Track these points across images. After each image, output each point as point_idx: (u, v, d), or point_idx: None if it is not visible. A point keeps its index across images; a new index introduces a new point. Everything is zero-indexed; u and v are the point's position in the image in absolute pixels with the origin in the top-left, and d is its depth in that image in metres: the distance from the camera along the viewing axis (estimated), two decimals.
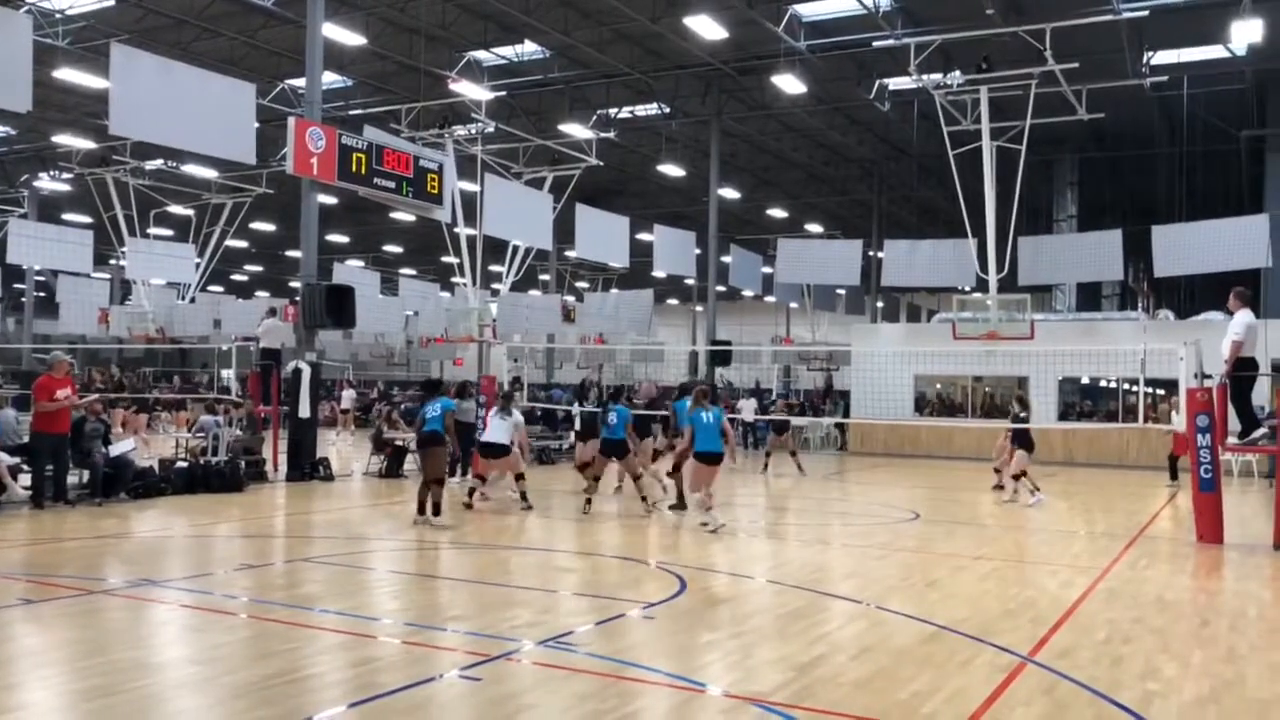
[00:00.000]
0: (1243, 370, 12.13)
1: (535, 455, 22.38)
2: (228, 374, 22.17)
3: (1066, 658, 6.71)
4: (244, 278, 57.93)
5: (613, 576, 9.82)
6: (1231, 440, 13.18)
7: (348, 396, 29.68)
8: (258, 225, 40.27)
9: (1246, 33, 19.83)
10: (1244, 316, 11.98)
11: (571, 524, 13.11)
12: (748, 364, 41.15)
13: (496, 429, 13.66)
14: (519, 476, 14.02)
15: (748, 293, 40.28)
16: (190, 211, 30.42)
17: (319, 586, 9.02)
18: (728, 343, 30.93)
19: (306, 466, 17.43)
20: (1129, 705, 5.69)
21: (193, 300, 30.88)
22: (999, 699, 5.80)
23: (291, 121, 16.38)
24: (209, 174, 29.51)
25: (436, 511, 12.16)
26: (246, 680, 5.90)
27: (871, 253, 34.38)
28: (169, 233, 33.72)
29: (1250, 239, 21.29)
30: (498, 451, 13.64)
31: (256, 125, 17.35)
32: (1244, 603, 9.06)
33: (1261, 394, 16.94)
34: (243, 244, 43.60)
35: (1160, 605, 8.68)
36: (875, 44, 22.48)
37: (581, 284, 47.21)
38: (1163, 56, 24.23)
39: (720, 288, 32.19)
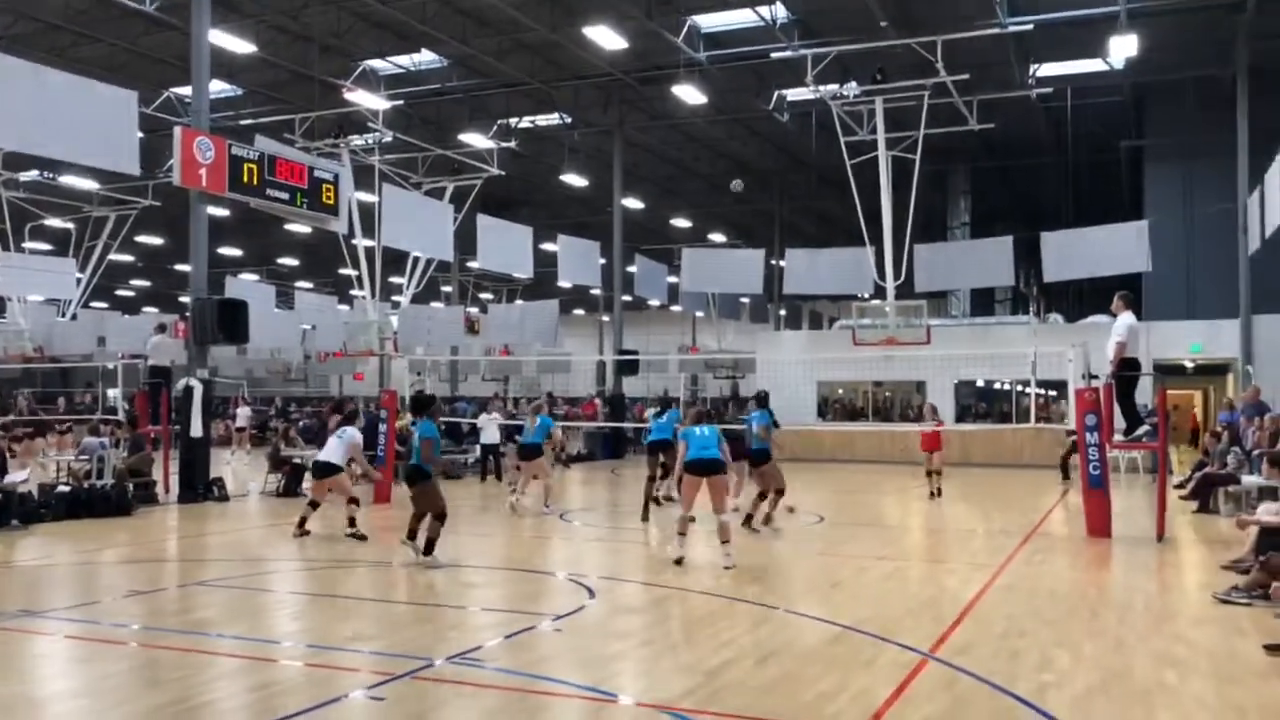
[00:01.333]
0: (1127, 370, 12.63)
1: (442, 470, 22.07)
2: (114, 393, 21.31)
3: (966, 653, 6.86)
4: (130, 293, 55.80)
5: (522, 589, 9.71)
6: (1118, 438, 13.70)
7: (243, 414, 28.81)
8: (145, 238, 38.83)
9: (1123, 47, 20.72)
10: (1127, 319, 12.48)
11: (479, 539, 12.94)
12: (655, 373, 41.29)
13: (330, 448, 12.88)
14: (352, 500, 12.69)
15: (654, 302, 40.51)
16: (70, 225, 29.19)
17: (215, 611, 8.69)
18: (635, 352, 31.01)
19: (200, 487, 16.84)
20: (1025, 697, 5.84)
21: (74, 317, 29.61)
22: (902, 696, 5.90)
23: (178, 131, 15.86)
24: (90, 185, 28.37)
25: (429, 550, 10.52)
26: (137, 711, 5.65)
27: (774, 261, 34.88)
28: (47, 247, 32.31)
29: (1132, 244, 22.21)
30: (329, 471, 12.79)
31: (140, 135, 16.71)
32: (1131, 595, 9.41)
33: (1144, 393, 17.71)
34: (128, 258, 41.99)
35: (1054, 599, 8.96)
36: (773, 55, 22.78)
37: (485, 295, 46.79)
38: (1048, 69, 25.15)
39: (626, 297, 32.25)
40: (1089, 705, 5.74)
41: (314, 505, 12.88)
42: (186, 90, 22.05)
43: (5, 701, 5.87)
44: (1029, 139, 31.14)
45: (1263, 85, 23.22)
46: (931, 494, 17.25)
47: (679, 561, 10.33)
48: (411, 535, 10.65)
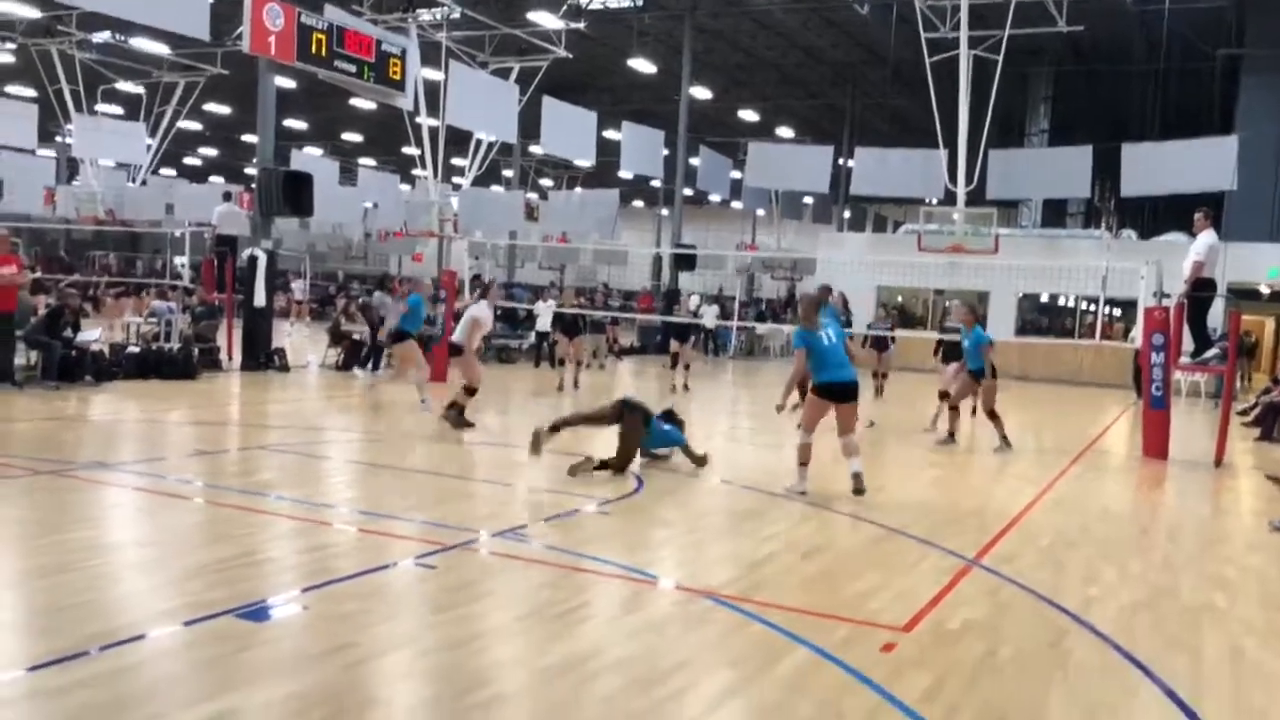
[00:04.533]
0: (1201, 291, 12.26)
1: (494, 353, 22.35)
2: (181, 260, 21.70)
3: (1011, 562, 6.87)
4: (198, 162, 56.33)
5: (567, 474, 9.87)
6: (1184, 359, 13.39)
7: (298, 287, 29.17)
8: (212, 107, 39.00)
9: None
10: (1208, 237, 12.05)
11: (531, 421, 13.10)
12: (712, 270, 41.02)
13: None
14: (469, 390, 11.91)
15: (715, 198, 39.93)
16: (140, 89, 29.31)
17: (274, 474, 8.98)
18: (692, 247, 30.75)
19: (262, 356, 17.24)
20: (1069, 608, 5.84)
21: (144, 183, 29.99)
22: (944, 599, 5.93)
23: None
24: (160, 50, 28.37)
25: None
26: (199, 562, 5.88)
27: (842, 160, 34.10)
28: (119, 110, 32.52)
29: (1218, 161, 21.29)
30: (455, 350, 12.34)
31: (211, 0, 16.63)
32: (1182, 516, 9.31)
33: (1216, 316, 17.24)
34: (196, 126, 42.28)
35: (1104, 516, 8.90)
36: None
37: (546, 181, 46.52)
38: None
39: (687, 191, 31.82)
40: (1133, 621, 5.73)
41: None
42: None
43: (78, 544, 6.15)
44: (1119, 43, 29.71)
45: None
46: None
47: (803, 493, 8.75)
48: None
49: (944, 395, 13.74)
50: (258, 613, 5.04)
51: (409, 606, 5.45)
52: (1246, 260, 23.80)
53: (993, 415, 12.45)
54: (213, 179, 51.39)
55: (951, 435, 12.54)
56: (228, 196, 21.07)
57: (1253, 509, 9.81)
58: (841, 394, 8.81)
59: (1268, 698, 4.77)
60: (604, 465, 9.19)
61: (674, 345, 19.28)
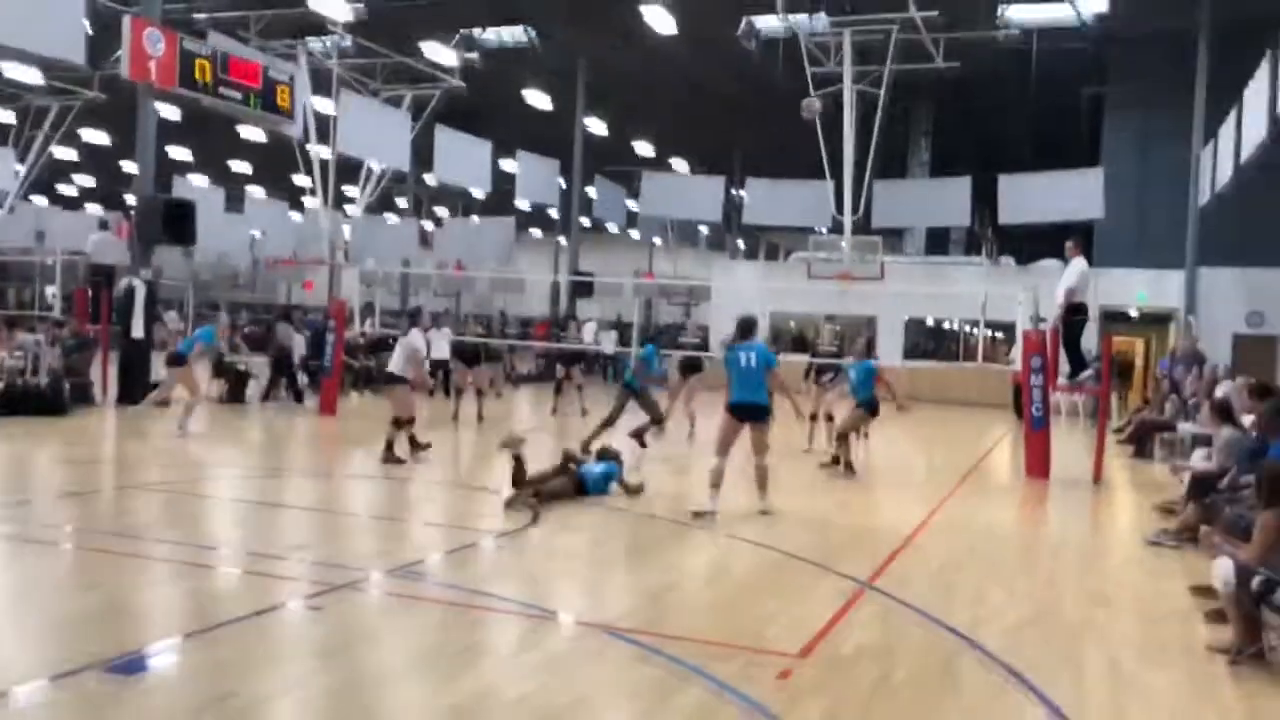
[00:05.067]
0: (1075, 315, 12.78)
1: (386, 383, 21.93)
2: (52, 290, 20.75)
3: (903, 585, 6.98)
4: (73, 190, 54.10)
5: (465, 506, 9.70)
6: (1061, 381, 13.91)
7: (170, 319, 28.19)
8: (89, 132, 37.54)
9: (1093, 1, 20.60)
10: (1079, 264, 12.59)
11: (427, 454, 12.87)
12: (610, 297, 41.13)
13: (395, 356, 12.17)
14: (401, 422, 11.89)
15: (612, 227, 40.10)
16: (10, 115, 28.07)
17: (151, 515, 8.58)
18: (590, 275, 30.79)
19: (139, 390, 16.54)
20: (959, 628, 5.97)
21: (11, 210, 28.67)
22: (840, 622, 5.99)
23: (127, 21, 15.18)
24: (33, 74, 27.26)
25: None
26: (65, 612, 5.57)
27: (734, 190, 34.67)
28: None
29: (1087, 191, 22.38)
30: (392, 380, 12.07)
31: (87, 23, 16.05)
32: (1064, 534, 9.64)
33: (1090, 339, 17.98)
34: (71, 153, 40.67)
35: (990, 535, 9.15)
36: None
37: (440, 209, 46.06)
38: (1016, 11, 24.98)
39: (584, 220, 31.92)
40: (1019, 639, 5.87)
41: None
42: None
43: None
44: (992, 81, 30.94)
45: (1224, 40, 23.27)
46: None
47: (701, 515, 8.88)
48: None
49: (814, 417, 14.19)
50: (129, 665, 4.78)
51: (294, 651, 5.25)
52: (1117, 285, 24.93)
53: (842, 438, 12.33)
54: (89, 207, 49.42)
55: (849, 466, 12.23)
56: (104, 225, 20.29)
57: (1130, 524, 10.22)
58: (746, 414, 9.17)
59: (1145, 711, 4.94)
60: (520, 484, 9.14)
61: (559, 370, 19.48)
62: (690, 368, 15.84)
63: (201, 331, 14.71)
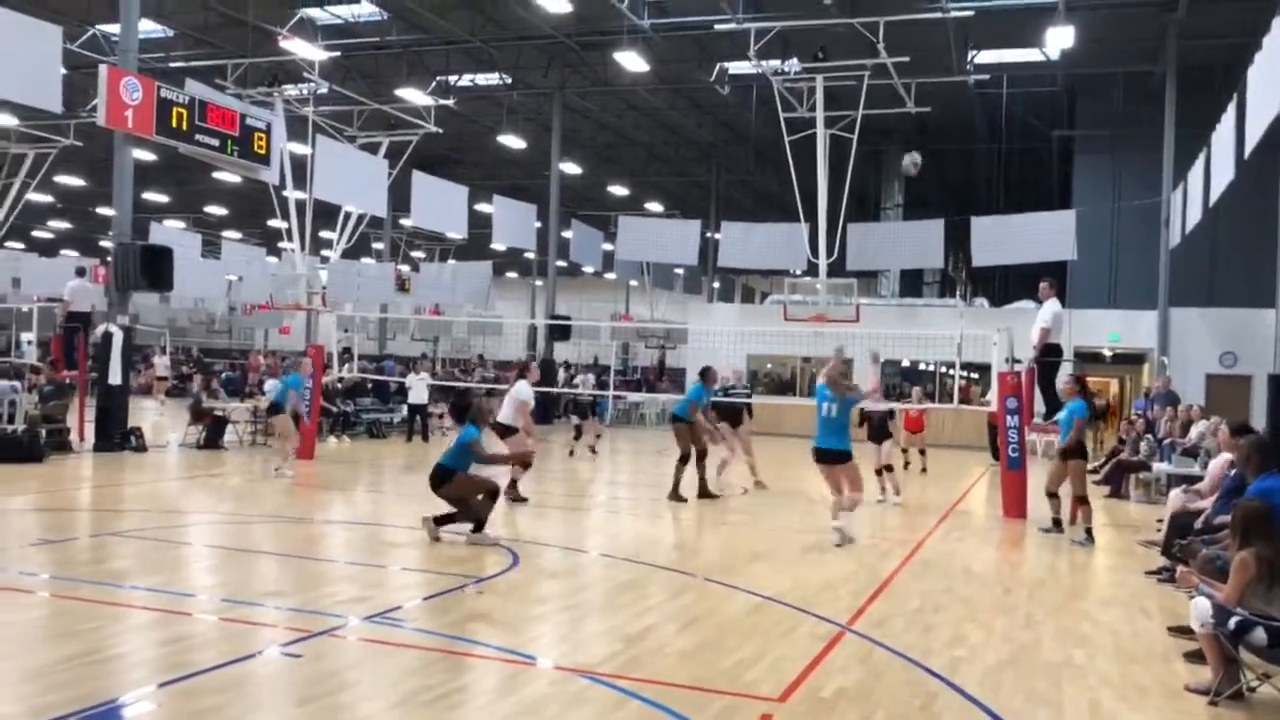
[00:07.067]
0: (1049, 356, 12.94)
1: (365, 429, 21.85)
2: (28, 337, 20.60)
3: (882, 627, 7.01)
4: (49, 235, 53.85)
5: (444, 552, 9.64)
6: (1037, 421, 14.04)
7: (160, 364, 28.04)
8: (65, 179, 37.51)
9: (1060, 39, 21.05)
10: (1052, 305, 12.77)
11: (402, 499, 12.82)
12: (587, 340, 41.20)
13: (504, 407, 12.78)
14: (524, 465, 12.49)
15: (588, 269, 40.30)
16: None
17: (127, 562, 8.49)
18: (567, 318, 30.86)
19: (117, 436, 16.42)
20: (938, 670, 5.99)
21: None
22: (819, 666, 6.00)
23: (104, 70, 15.24)
24: (8, 121, 27.24)
25: (479, 528, 9.74)
26: (40, 662, 5.50)
27: (709, 234, 34.94)
28: None
29: (1059, 233, 22.68)
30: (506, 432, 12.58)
31: (64, 72, 16.09)
32: (1041, 573, 9.68)
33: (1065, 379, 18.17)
34: (47, 199, 40.59)
35: (968, 576, 9.18)
36: (717, 27, 22.72)
37: (417, 254, 46.14)
38: (985, 56, 25.50)
39: (561, 263, 32.06)
40: (998, 679, 5.90)
41: (526, 466, 12.66)
42: (114, 28, 21.20)
43: None
44: (964, 125, 31.59)
45: (1191, 83, 23.82)
46: (922, 470, 18.18)
47: (843, 542, 10.26)
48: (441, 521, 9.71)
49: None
50: (105, 715, 4.73)
51: (272, 698, 5.20)
52: (1090, 325, 25.25)
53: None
54: (65, 252, 49.14)
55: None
56: (81, 272, 20.21)
57: (1106, 564, 10.29)
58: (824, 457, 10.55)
59: None
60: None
61: (573, 420, 20.75)
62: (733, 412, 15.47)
63: (290, 379, 15.16)
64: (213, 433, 17.84)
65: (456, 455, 9.80)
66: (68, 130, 26.47)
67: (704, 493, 13.29)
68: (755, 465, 14.93)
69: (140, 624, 6.48)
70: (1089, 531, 11.26)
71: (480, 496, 9.76)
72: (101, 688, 5.12)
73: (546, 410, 29.03)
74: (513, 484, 12.32)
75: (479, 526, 9.69)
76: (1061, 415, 11.83)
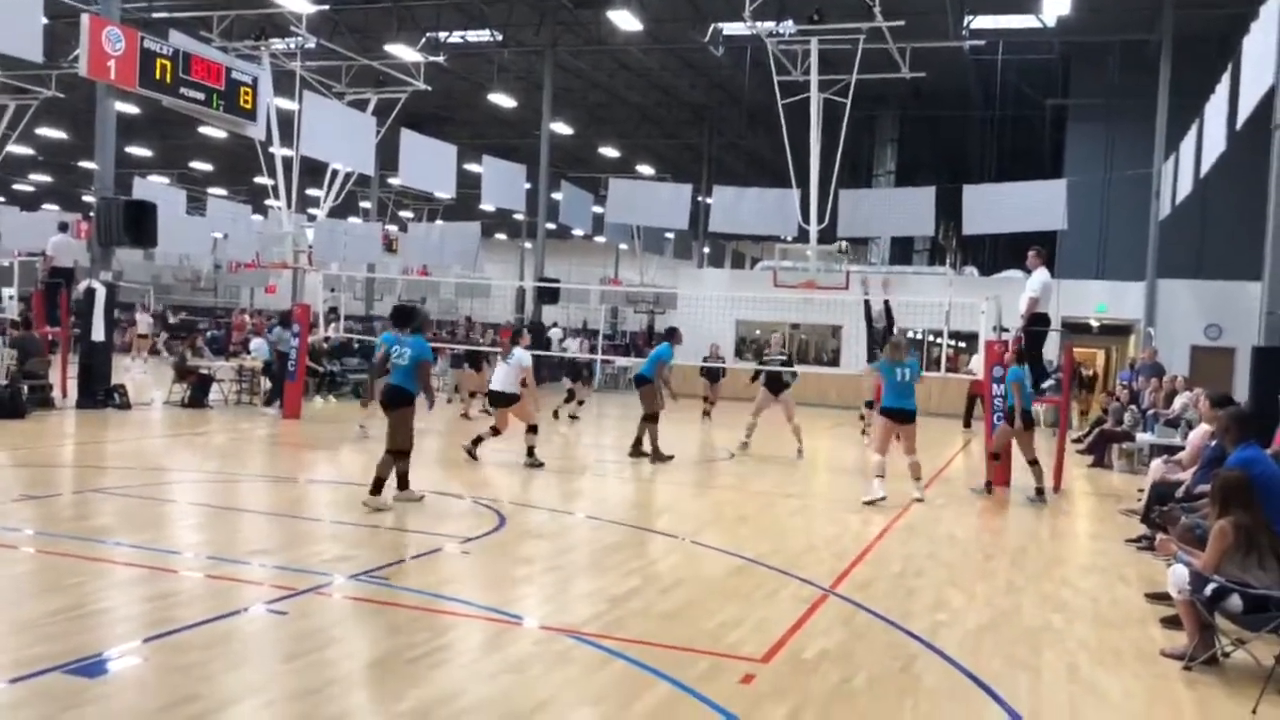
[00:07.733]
0: (1037, 325, 12.95)
1: (352, 389, 21.79)
2: (8, 292, 20.42)
3: (865, 590, 7.06)
4: (30, 188, 53.28)
5: (430, 511, 9.66)
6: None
7: (143, 321, 27.84)
8: (46, 131, 37.01)
9: (1056, 5, 20.92)
10: (1041, 275, 12.75)
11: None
12: (575, 303, 41.09)
13: (501, 375, 12.70)
14: (531, 429, 12.61)
15: (578, 232, 40.12)
16: None
17: (111, 518, 8.48)
18: (556, 280, 30.76)
19: (100, 393, 16.34)
20: (919, 634, 6.04)
21: None
22: (802, 628, 6.05)
23: (86, 19, 14.97)
24: None
25: (402, 485, 9.48)
26: (25, 616, 5.49)
27: (700, 197, 34.79)
28: None
29: (1050, 202, 22.65)
30: (506, 401, 12.57)
31: (45, 20, 15.80)
32: (1023, 540, 9.76)
33: (1052, 349, 18.23)
34: (28, 151, 40.07)
35: (951, 542, 9.25)
36: None
37: (405, 213, 45.82)
38: (981, 22, 25.30)
39: (550, 225, 31.88)
40: (978, 643, 5.96)
41: (496, 432, 12.70)
42: None
43: None
44: (958, 91, 31.40)
45: (1186, 53, 23.70)
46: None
47: (872, 502, 10.68)
48: (377, 489, 9.14)
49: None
50: (90, 667, 4.74)
51: (257, 655, 5.22)
52: (1078, 296, 25.30)
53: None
54: (46, 206, 48.66)
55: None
56: (64, 227, 20.01)
57: (1088, 531, 10.38)
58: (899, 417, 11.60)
59: (1101, 714, 5.03)
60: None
61: (566, 383, 20.63)
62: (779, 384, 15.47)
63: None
64: (198, 391, 17.76)
65: (410, 375, 9.28)
66: (49, 81, 26.06)
67: (657, 456, 13.37)
68: (800, 431, 14.99)
69: (125, 580, 6.48)
70: (1039, 491, 11.67)
71: (393, 452, 9.24)
72: (88, 641, 5.13)
73: (538, 374, 29.01)
74: (477, 440, 12.61)
75: (403, 483, 9.44)
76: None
